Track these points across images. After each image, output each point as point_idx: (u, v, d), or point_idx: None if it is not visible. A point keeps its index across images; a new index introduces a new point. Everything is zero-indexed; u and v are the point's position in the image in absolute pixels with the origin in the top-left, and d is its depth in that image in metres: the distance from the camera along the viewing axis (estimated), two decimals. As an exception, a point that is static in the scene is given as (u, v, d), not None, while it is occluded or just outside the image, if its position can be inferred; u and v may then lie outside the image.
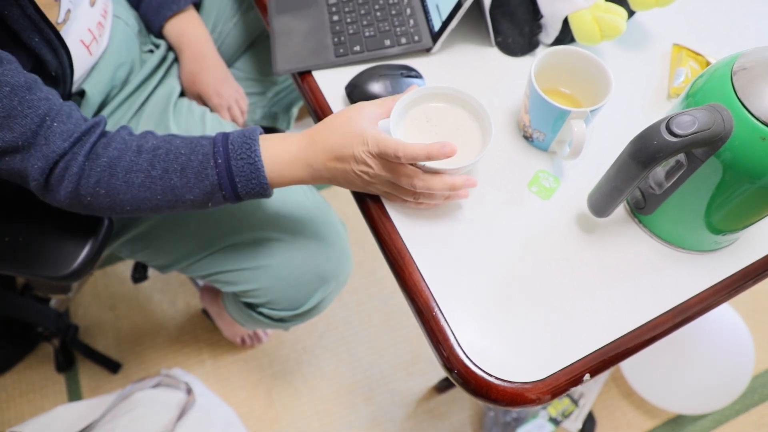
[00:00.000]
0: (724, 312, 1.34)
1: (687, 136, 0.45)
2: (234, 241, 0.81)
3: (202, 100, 0.91)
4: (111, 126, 0.80)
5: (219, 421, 1.14)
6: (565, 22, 0.71)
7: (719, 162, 0.48)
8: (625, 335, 0.56)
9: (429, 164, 0.57)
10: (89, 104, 0.76)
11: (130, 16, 0.86)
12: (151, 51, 0.89)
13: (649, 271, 0.59)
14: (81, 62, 0.72)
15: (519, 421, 1.23)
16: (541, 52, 0.72)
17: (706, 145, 0.47)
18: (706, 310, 0.59)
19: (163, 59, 0.89)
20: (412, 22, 0.75)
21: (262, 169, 0.59)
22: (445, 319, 0.56)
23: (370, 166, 0.57)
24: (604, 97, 0.60)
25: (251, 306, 0.90)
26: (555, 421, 1.24)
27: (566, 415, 1.25)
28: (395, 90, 0.68)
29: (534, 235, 0.61)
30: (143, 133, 0.62)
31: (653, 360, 1.26)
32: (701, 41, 0.75)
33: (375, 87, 0.69)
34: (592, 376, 0.55)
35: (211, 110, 0.91)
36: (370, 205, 0.63)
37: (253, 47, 1.04)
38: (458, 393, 1.29)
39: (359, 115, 0.57)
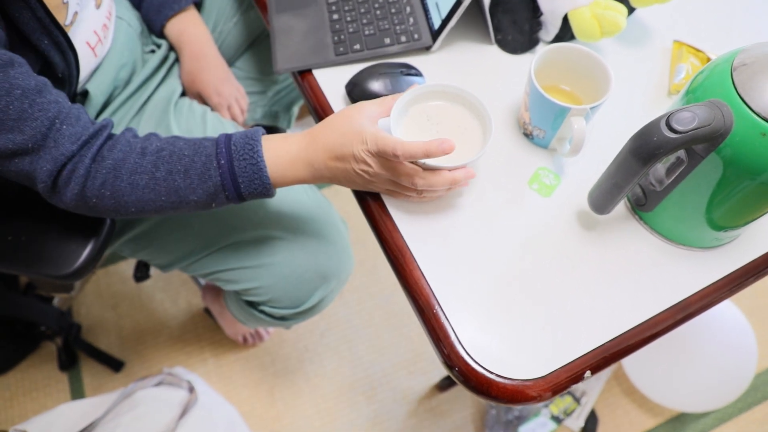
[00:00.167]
0: (727, 309, 1.33)
1: (687, 132, 0.45)
2: (235, 239, 0.81)
3: (202, 99, 0.91)
4: (113, 122, 0.81)
5: (221, 420, 1.14)
6: (565, 19, 0.70)
7: (720, 158, 0.48)
8: (625, 332, 0.56)
9: (429, 162, 0.57)
10: (92, 104, 0.77)
11: (132, 17, 0.86)
12: (153, 51, 0.89)
13: (650, 268, 0.59)
14: (86, 64, 0.72)
15: (521, 419, 1.23)
16: (541, 49, 0.72)
17: (706, 142, 0.47)
18: (707, 307, 0.59)
19: (165, 59, 0.89)
20: (411, 20, 0.75)
21: (264, 170, 0.59)
22: (446, 317, 0.56)
23: (369, 165, 0.57)
24: (604, 94, 0.60)
25: (253, 304, 0.91)
26: (557, 419, 1.24)
27: (568, 413, 1.25)
28: (395, 88, 0.68)
29: (534, 232, 0.61)
30: (147, 135, 0.62)
31: (656, 358, 1.26)
32: (702, 38, 0.75)
33: (375, 85, 0.69)
34: (593, 373, 0.55)
35: (212, 109, 0.91)
36: (370, 203, 0.63)
37: (254, 46, 1.04)
38: (460, 391, 1.29)
39: (359, 114, 0.58)
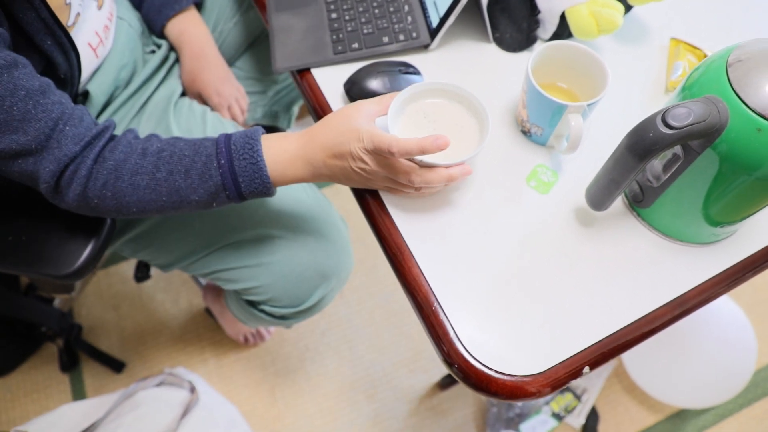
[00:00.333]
0: (726, 306, 1.34)
1: (682, 128, 0.46)
2: (235, 238, 0.81)
3: (202, 99, 0.91)
4: (116, 123, 0.81)
5: (222, 420, 1.14)
6: (563, 17, 0.71)
7: (715, 154, 0.48)
8: (623, 328, 0.56)
9: (426, 159, 0.57)
10: (93, 105, 0.77)
11: (133, 17, 0.86)
12: (153, 51, 0.89)
13: (648, 264, 0.60)
14: (88, 64, 0.72)
15: (522, 416, 1.24)
16: (538, 47, 0.73)
17: (701, 137, 0.47)
18: (705, 302, 0.59)
19: (165, 59, 0.89)
20: (409, 19, 0.75)
21: (264, 169, 0.59)
22: (445, 314, 0.57)
23: (366, 163, 0.57)
24: (601, 91, 0.60)
25: (253, 304, 0.91)
26: (558, 417, 1.24)
27: (569, 411, 1.25)
28: (393, 87, 0.69)
29: (532, 229, 0.62)
30: (148, 136, 0.62)
31: (656, 355, 1.26)
32: (699, 35, 0.75)
33: (373, 84, 0.69)
34: (591, 368, 0.55)
35: (212, 109, 0.91)
36: (369, 201, 0.64)
37: (254, 46, 1.04)
38: (461, 389, 1.29)
39: (357, 112, 0.58)
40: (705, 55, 0.72)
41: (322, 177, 0.61)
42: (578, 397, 1.26)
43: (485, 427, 1.24)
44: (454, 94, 0.63)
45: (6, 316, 1.24)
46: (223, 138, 0.60)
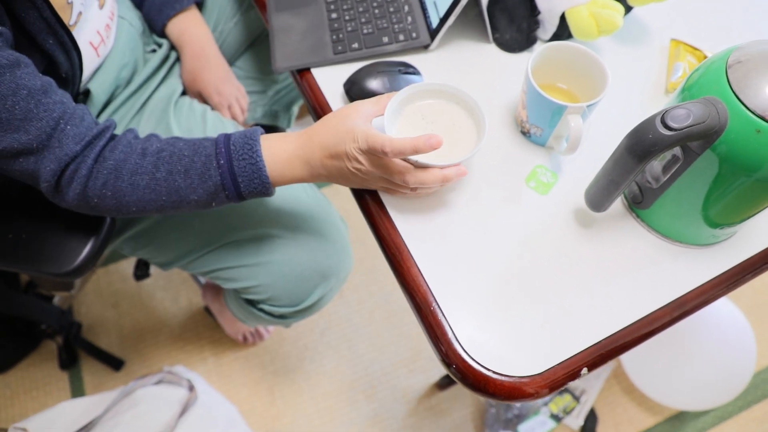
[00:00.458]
0: (726, 308, 1.33)
1: (682, 129, 0.45)
2: (235, 237, 0.81)
3: (203, 99, 0.92)
4: (116, 123, 0.81)
5: (221, 418, 1.14)
6: (563, 18, 0.71)
7: (715, 155, 0.48)
8: (622, 329, 0.56)
9: (421, 160, 0.57)
10: (94, 104, 0.77)
11: (134, 17, 0.87)
12: (154, 51, 0.89)
13: (647, 266, 0.60)
14: (89, 63, 0.73)
15: (520, 417, 1.24)
16: (538, 48, 0.73)
17: (701, 139, 0.47)
18: (704, 304, 0.59)
19: (166, 59, 0.89)
20: (409, 19, 0.75)
21: (264, 169, 0.59)
22: (443, 315, 0.57)
23: (361, 163, 0.57)
24: (601, 92, 0.60)
25: (252, 303, 0.91)
26: (556, 418, 1.24)
27: (568, 412, 1.25)
28: (393, 87, 0.69)
29: (532, 230, 0.62)
30: (148, 136, 0.63)
31: (655, 356, 1.26)
32: (699, 36, 0.75)
33: (373, 84, 0.69)
34: (590, 370, 0.55)
35: (212, 109, 0.91)
36: (368, 201, 0.64)
37: (254, 46, 1.04)
38: (459, 390, 1.29)
39: (354, 113, 0.58)
40: (705, 57, 0.72)
41: (320, 177, 0.61)
42: (577, 399, 1.26)
43: (484, 428, 1.24)
44: (451, 95, 0.63)
45: (6, 314, 1.24)
46: (223, 138, 0.60)
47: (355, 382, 1.30)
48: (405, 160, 0.57)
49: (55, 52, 0.63)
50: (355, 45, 0.74)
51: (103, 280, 1.42)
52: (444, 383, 1.27)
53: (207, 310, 1.36)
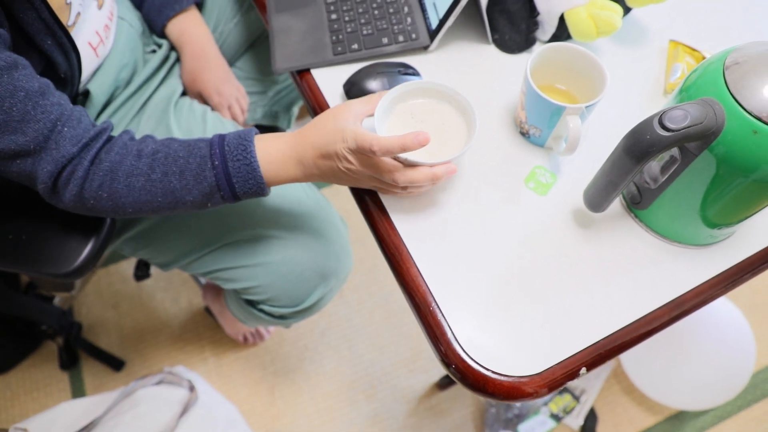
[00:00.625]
0: (725, 308, 1.34)
1: (679, 130, 0.46)
2: (235, 238, 0.82)
3: (203, 99, 0.92)
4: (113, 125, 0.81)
5: (221, 419, 1.15)
6: (562, 19, 0.71)
7: (713, 156, 0.48)
8: (621, 329, 0.56)
9: (410, 158, 0.57)
10: (94, 104, 0.77)
11: (133, 17, 0.87)
12: (154, 51, 0.89)
13: (646, 266, 0.60)
14: (88, 64, 0.73)
15: (520, 417, 1.24)
16: (537, 49, 0.73)
17: (698, 139, 0.47)
18: (702, 304, 0.59)
19: (165, 59, 0.90)
20: (409, 20, 0.76)
21: (258, 170, 0.60)
22: (443, 315, 0.57)
23: (351, 163, 0.57)
24: (599, 93, 0.60)
25: (252, 303, 0.91)
26: (556, 418, 1.24)
27: (568, 412, 1.25)
28: (392, 87, 0.69)
29: (531, 230, 0.62)
30: (143, 137, 0.63)
31: (655, 356, 1.26)
32: (698, 37, 0.75)
33: (373, 85, 0.69)
34: (588, 369, 0.55)
35: (212, 109, 0.91)
36: (368, 201, 0.64)
37: (254, 47, 1.04)
38: (459, 390, 1.29)
39: (344, 112, 0.58)
40: (704, 57, 0.72)
41: (313, 176, 0.61)
42: (577, 398, 1.26)
43: (484, 428, 1.24)
44: (443, 94, 0.63)
45: (6, 315, 1.24)
46: (217, 139, 0.61)
47: (356, 382, 1.30)
48: (395, 158, 0.58)
49: (53, 52, 0.64)
50: (355, 46, 0.74)
51: (103, 280, 1.42)
52: (444, 383, 1.27)
53: (207, 310, 1.36)
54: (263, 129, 1.05)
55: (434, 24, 0.73)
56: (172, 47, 0.91)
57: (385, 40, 0.74)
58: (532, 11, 0.73)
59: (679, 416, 1.27)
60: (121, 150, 0.60)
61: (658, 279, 0.59)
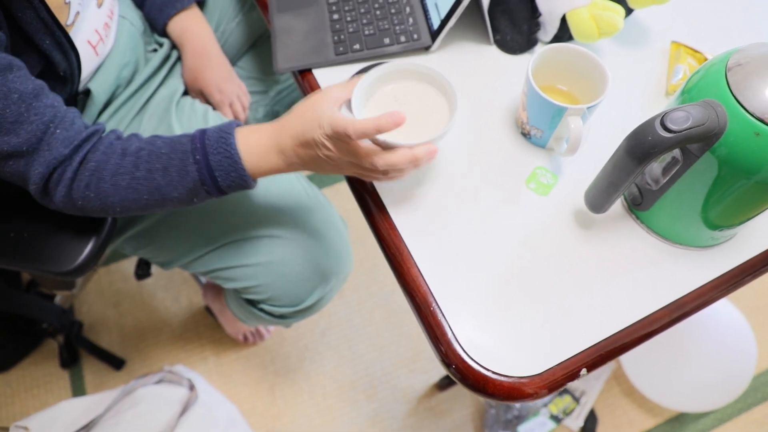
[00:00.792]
0: (726, 310, 1.33)
1: (681, 131, 0.46)
2: (235, 237, 0.82)
3: (204, 97, 0.92)
4: (114, 125, 0.81)
5: (221, 418, 1.15)
6: (563, 19, 0.71)
7: (714, 158, 0.48)
8: (621, 330, 0.56)
9: (389, 140, 0.55)
10: (95, 103, 0.77)
11: (135, 16, 0.87)
12: (155, 50, 0.89)
13: (647, 267, 0.60)
14: (88, 62, 0.73)
15: (520, 418, 1.24)
16: (539, 49, 0.73)
17: (700, 141, 0.47)
18: (703, 305, 0.59)
19: (167, 58, 0.90)
20: (411, 20, 0.76)
21: (239, 162, 0.60)
22: (443, 315, 0.57)
23: (329, 149, 0.56)
24: (601, 94, 0.60)
25: (252, 302, 0.91)
26: (556, 419, 1.24)
27: (567, 413, 1.25)
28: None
29: (532, 231, 0.62)
30: (129, 136, 0.63)
31: (655, 358, 1.26)
32: (700, 38, 0.75)
33: (374, 84, 0.69)
34: (589, 370, 0.55)
35: (214, 108, 0.91)
36: (368, 201, 0.64)
37: (256, 47, 1.04)
38: (459, 390, 1.29)
39: (322, 99, 0.57)
40: (706, 59, 0.72)
41: (295, 166, 0.61)
42: (577, 400, 1.26)
43: (483, 429, 1.24)
44: (424, 76, 0.62)
45: (7, 312, 1.24)
46: (199, 134, 0.61)
47: (356, 382, 1.30)
48: (375, 143, 0.56)
49: (52, 52, 0.64)
50: (357, 46, 0.74)
51: (104, 279, 1.42)
52: (444, 384, 1.27)
53: (208, 309, 1.36)
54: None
55: (436, 24, 0.73)
56: (174, 46, 0.91)
57: (386, 41, 0.74)
58: (534, 12, 0.73)
59: (680, 418, 1.26)
60: (106, 149, 0.60)
61: (659, 280, 0.59)
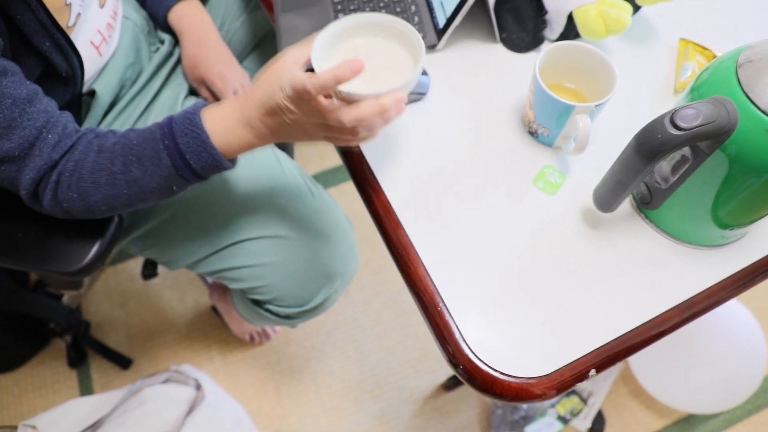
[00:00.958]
0: (736, 310, 1.32)
1: (691, 129, 0.45)
2: (241, 238, 0.82)
3: (205, 88, 0.89)
4: (120, 125, 0.81)
5: (228, 417, 1.15)
6: (570, 17, 0.70)
7: (725, 155, 0.48)
8: (630, 331, 0.56)
9: (353, 91, 0.53)
10: (99, 104, 0.77)
11: (138, 17, 0.87)
12: (158, 49, 0.89)
13: (656, 267, 0.59)
14: (91, 63, 0.73)
15: (527, 419, 1.23)
16: (545, 47, 0.72)
17: (710, 138, 0.47)
18: (713, 306, 0.58)
19: (169, 55, 0.89)
20: (416, 19, 0.75)
21: (208, 141, 0.58)
22: (450, 315, 0.56)
23: (293, 112, 0.54)
24: (609, 92, 0.60)
25: (258, 303, 0.91)
26: (564, 420, 1.24)
27: (575, 414, 1.24)
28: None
29: (539, 230, 0.61)
30: (105, 132, 0.62)
31: (664, 358, 1.25)
32: (709, 36, 0.74)
33: (380, 83, 0.69)
34: (597, 371, 0.55)
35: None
36: (375, 201, 0.64)
37: (261, 46, 1.04)
38: (466, 391, 1.29)
39: (282, 62, 0.55)
40: (714, 56, 0.71)
41: (266, 137, 0.59)
42: (584, 401, 1.25)
43: (490, 429, 1.23)
44: (387, 30, 0.60)
45: (15, 312, 1.25)
46: (167, 120, 0.59)
47: (362, 382, 1.30)
48: (340, 98, 0.54)
49: (51, 54, 0.63)
50: (362, 45, 0.74)
51: (111, 279, 1.43)
52: (451, 384, 1.27)
53: (214, 309, 1.36)
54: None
55: (441, 23, 0.73)
56: (177, 43, 0.90)
57: (392, 39, 0.74)
58: (540, 10, 0.72)
59: (689, 420, 1.25)
60: (84, 148, 0.60)
61: (668, 280, 0.58)
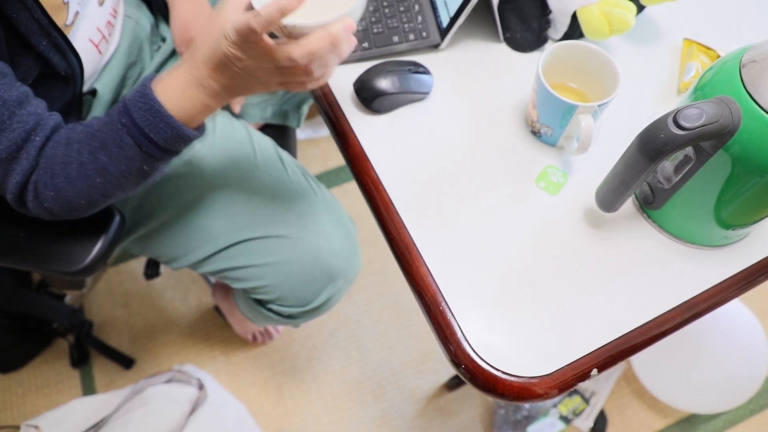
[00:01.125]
0: (738, 310, 1.32)
1: (694, 129, 0.45)
2: (243, 237, 0.82)
3: None
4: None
5: (230, 417, 1.15)
6: (574, 17, 0.70)
7: (728, 155, 0.48)
8: (632, 330, 0.56)
9: (299, 23, 0.50)
10: (101, 103, 0.77)
11: (141, 16, 0.87)
12: (160, 48, 0.89)
13: (658, 267, 0.59)
14: (90, 61, 0.72)
15: (529, 419, 1.23)
16: (549, 47, 0.72)
17: (713, 138, 0.47)
18: (715, 306, 0.58)
19: (171, 54, 0.89)
20: (420, 18, 0.75)
21: (162, 109, 0.56)
22: (453, 314, 0.56)
23: (242, 59, 0.51)
24: (612, 92, 0.60)
25: (261, 303, 0.91)
26: (566, 419, 1.24)
27: (577, 414, 1.24)
28: (403, 86, 0.69)
29: (542, 230, 0.61)
30: (71, 124, 0.61)
31: (666, 358, 1.25)
32: (712, 36, 0.74)
33: (383, 83, 0.69)
34: (599, 371, 0.55)
35: None
36: (377, 200, 0.64)
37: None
38: (468, 390, 1.28)
39: (221, 9, 0.52)
40: (718, 56, 0.71)
41: (221, 95, 0.56)
42: (586, 400, 1.25)
43: (492, 429, 1.23)
44: None
45: (18, 312, 1.25)
46: (123, 100, 0.58)
47: (364, 382, 1.30)
48: (287, 34, 0.52)
49: (49, 53, 0.63)
50: (365, 44, 0.74)
51: (113, 279, 1.43)
52: (453, 384, 1.27)
53: (216, 309, 1.36)
54: (273, 128, 1.04)
55: (445, 22, 0.73)
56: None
57: (395, 39, 0.74)
58: (544, 9, 0.72)
59: (691, 419, 1.25)
60: (53, 144, 0.59)
61: (671, 280, 0.58)
